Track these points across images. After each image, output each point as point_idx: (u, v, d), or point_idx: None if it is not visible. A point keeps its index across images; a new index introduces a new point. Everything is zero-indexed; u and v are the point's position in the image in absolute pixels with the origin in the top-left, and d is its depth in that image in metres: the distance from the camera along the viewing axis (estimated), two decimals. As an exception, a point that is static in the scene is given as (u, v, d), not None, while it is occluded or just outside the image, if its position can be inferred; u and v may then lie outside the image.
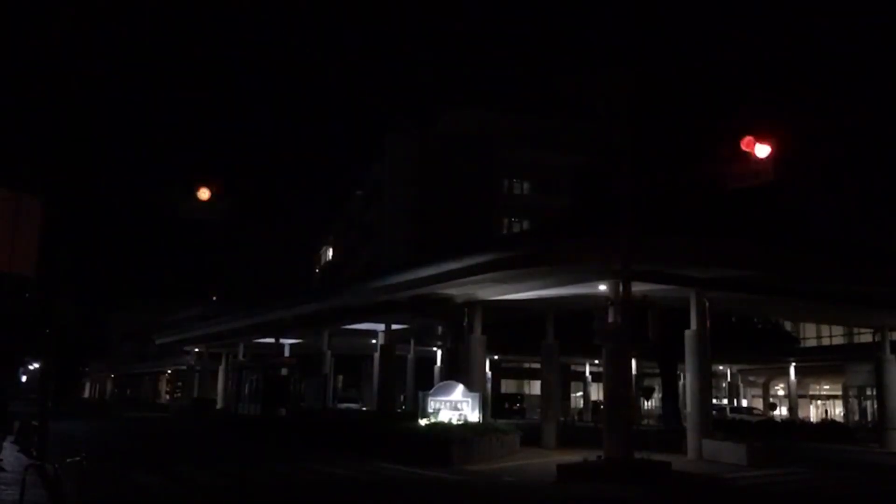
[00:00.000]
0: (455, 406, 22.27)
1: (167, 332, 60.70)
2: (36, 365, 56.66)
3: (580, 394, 56.97)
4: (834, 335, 46.78)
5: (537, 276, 21.86)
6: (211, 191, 13.47)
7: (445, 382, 24.48)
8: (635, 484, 15.84)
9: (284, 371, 37.45)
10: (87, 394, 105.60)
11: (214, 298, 78.18)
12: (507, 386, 56.70)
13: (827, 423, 41.54)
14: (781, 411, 48.50)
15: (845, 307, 26.84)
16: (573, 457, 18.32)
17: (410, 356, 40.82)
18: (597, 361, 44.50)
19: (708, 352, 22.32)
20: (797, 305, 27.37)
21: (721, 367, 50.90)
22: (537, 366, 38.67)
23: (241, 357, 46.29)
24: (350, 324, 34.02)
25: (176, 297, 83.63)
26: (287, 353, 43.14)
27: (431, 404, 22.24)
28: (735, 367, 52.38)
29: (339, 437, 24.26)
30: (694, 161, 22.02)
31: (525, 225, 55.35)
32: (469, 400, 22.43)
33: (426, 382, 35.00)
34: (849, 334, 45.19)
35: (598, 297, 20.37)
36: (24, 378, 72.92)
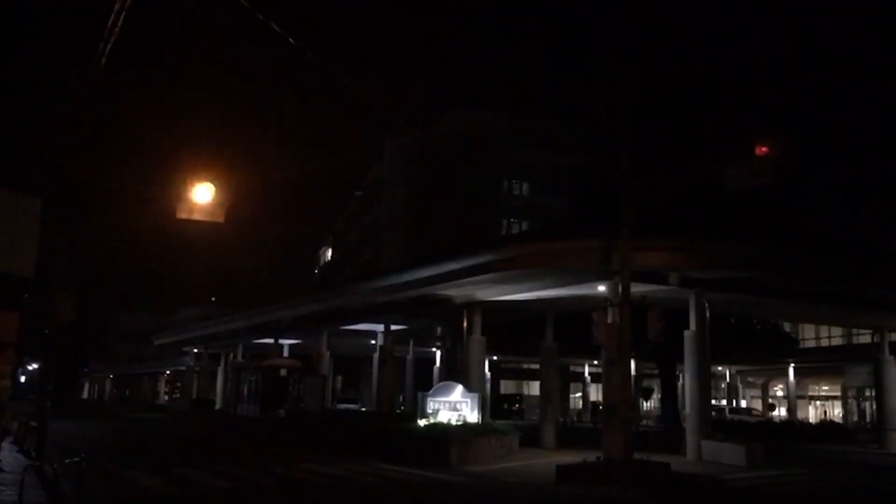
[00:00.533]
0: (454, 407, 22.26)
1: (166, 333, 60.78)
2: (35, 365, 56.63)
3: (579, 394, 56.99)
4: (833, 336, 46.80)
5: (536, 277, 21.86)
6: (210, 192, 13.45)
7: (444, 383, 24.48)
8: (634, 485, 15.83)
9: (283, 371, 37.47)
10: (85, 394, 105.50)
11: (213, 299, 78.20)
12: (507, 387, 56.69)
13: (826, 424, 41.54)
14: (780, 412, 48.51)
15: (844, 308, 26.84)
16: (572, 458, 18.31)
17: (409, 357, 40.82)
18: (596, 362, 44.58)
19: (707, 352, 22.31)
20: (796, 306, 27.39)
21: (720, 368, 50.93)
22: (536, 366, 38.69)
23: (240, 358, 46.29)
24: (349, 324, 34.02)
25: (175, 297, 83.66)
26: (286, 354, 43.14)
27: (430, 405, 22.24)
28: (734, 368, 52.40)
29: (338, 438, 24.25)
30: (693, 162, 22.02)
31: (524, 225, 55.39)
32: (468, 400, 22.42)
33: (425, 383, 35.03)
34: (847, 335, 45.21)
35: (597, 298, 20.39)
36: (22, 378, 72.83)
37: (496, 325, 28.39)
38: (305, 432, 27.16)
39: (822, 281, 23.06)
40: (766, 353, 43.06)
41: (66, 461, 11.23)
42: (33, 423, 17.66)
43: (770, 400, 52.38)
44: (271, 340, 41.90)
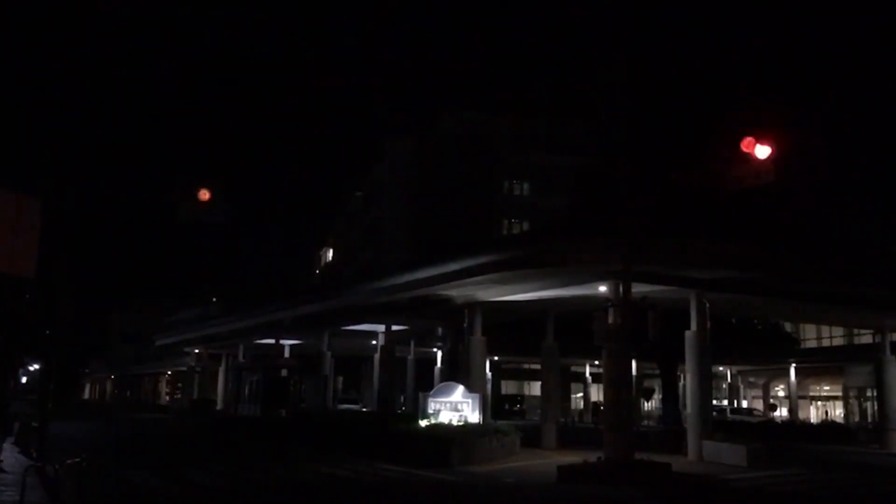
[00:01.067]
0: (455, 407, 22.25)
1: (167, 333, 60.72)
2: (36, 366, 56.65)
3: (580, 395, 56.96)
4: (834, 336, 46.76)
5: (537, 278, 21.86)
6: (211, 193, 13.46)
7: (446, 383, 24.46)
8: (636, 485, 15.84)
9: (284, 372, 37.46)
10: (87, 395, 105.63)
11: (214, 299, 78.12)
12: (508, 387, 56.68)
13: (827, 424, 41.55)
14: (782, 412, 48.48)
15: (845, 308, 26.83)
16: (573, 458, 18.32)
17: (410, 357, 40.82)
18: (597, 362, 44.46)
19: (708, 353, 22.31)
20: (797, 306, 27.37)
21: (721, 369, 50.87)
22: (537, 367, 38.65)
23: (241, 358, 46.27)
24: (350, 325, 34.02)
25: (176, 297, 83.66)
26: (287, 354, 43.14)
27: (431, 405, 22.23)
28: (735, 368, 52.36)
29: (339, 438, 24.25)
30: (694, 162, 22.02)
31: (525, 226, 55.35)
32: (469, 401, 22.41)
33: (426, 383, 35.01)
34: (849, 335, 45.18)
35: (598, 298, 20.39)
36: (24, 379, 72.83)
37: (497, 326, 28.39)
38: (306, 432, 27.17)
39: (822, 281, 23.06)
40: (767, 353, 43.02)
41: (68, 462, 11.22)
42: (34, 424, 17.68)
43: (771, 400, 52.34)
44: (272, 341, 41.90)
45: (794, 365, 45.69)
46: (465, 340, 25.87)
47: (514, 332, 32.31)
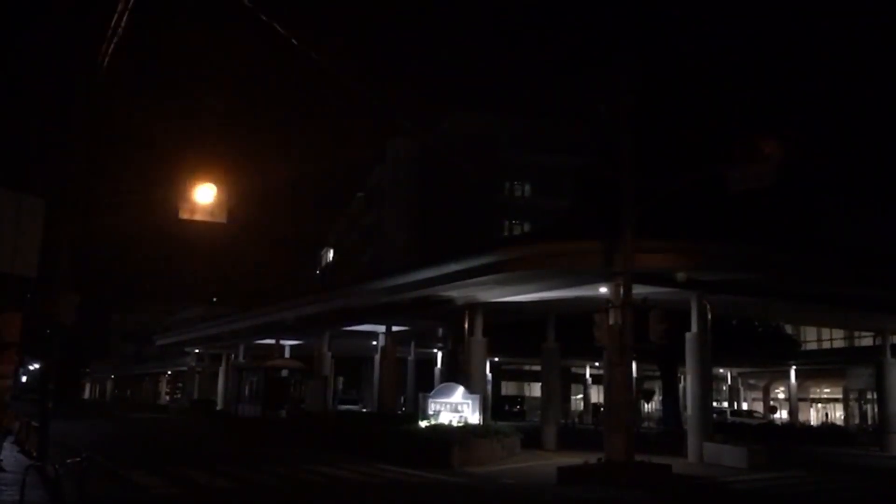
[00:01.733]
0: (455, 408, 22.25)
1: (168, 334, 60.81)
2: (36, 365, 56.66)
3: (580, 396, 56.95)
4: (835, 338, 46.72)
5: (538, 279, 21.86)
6: (212, 192, 13.44)
7: (446, 384, 24.46)
8: (636, 487, 15.82)
9: (285, 372, 37.47)
10: (87, 395, 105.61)
11: (215, 300, 78.22)
12: (508, 388, 56.69)
13: (827, 427, 41.50)
14: (782, 415, 48.45)
15: (846, 310, 26.81)
16: (574, 459, 18.31)
17: (411, 358, 40.82)
18: (597, 364, 44.53)
19: (709, 355, 22.29)
20: (798, 308, 27.35)
21: (722, 371, 50.87)
22: (538, 368, 38.67)
23: (241, 358, 46.30)
24: (351, 325, 34.01)
25: (176, 298, 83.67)
26: (287, 355, 43.15)
27: (432, 406, 22.22)
28: (735, 371, 52.34)
29: (340, 439, 24.25)
30: (696, 162, 22.00)
31: (526, 227, 55.36)
32: (469, 402, 22.40)
33: (426, 384, 35.03)
34: (849, 337, 45.14)
35: (599, 300, 20.37)
36: (24, 378, 72.81)
37: (498, 327, 28.37)
38: (307, 433, 27.17)
39: (823, 282, 23.04)
40: (767, 355, 42.99)
41: (68, 461, 11.22)
42: (35, 423, 17.68)
43: (771, 402, 52.31)
44: (273, 341, 41.93)
45: (794, 367, 45.66)
46: (465, 341, 25.85)
47: (515, 333, 32.31)
